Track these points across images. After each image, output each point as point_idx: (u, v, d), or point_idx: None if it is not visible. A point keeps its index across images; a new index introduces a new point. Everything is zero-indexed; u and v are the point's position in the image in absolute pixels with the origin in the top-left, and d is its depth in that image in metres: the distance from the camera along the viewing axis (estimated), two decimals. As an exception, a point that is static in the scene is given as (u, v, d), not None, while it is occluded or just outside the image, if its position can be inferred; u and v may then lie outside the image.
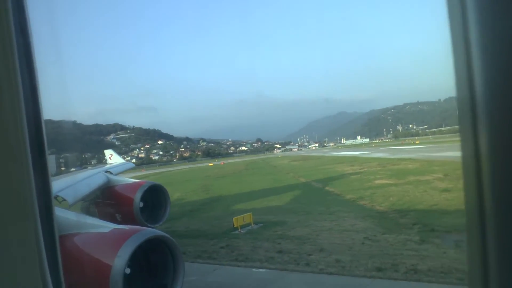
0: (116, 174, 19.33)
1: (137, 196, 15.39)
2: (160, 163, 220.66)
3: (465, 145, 1.45)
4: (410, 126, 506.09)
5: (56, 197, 10.77)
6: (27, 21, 1.86)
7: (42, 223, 1.83)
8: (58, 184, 12.09)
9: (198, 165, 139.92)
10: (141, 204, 15.56)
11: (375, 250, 15.18)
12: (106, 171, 18.44)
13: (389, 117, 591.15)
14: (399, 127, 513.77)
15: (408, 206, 23.23)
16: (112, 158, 31.51)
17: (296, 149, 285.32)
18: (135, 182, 17.14)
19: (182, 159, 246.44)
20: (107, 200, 16.53)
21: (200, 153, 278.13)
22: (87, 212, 16.14)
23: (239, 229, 20.98)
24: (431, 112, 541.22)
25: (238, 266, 15.35)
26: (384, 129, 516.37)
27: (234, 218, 21.54)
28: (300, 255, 15.44)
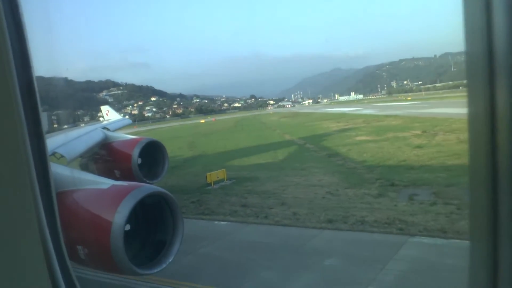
0: (114, 131, 19.15)
1: (135, 152, 15.35)
2: (152, 120, 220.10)
3: (476, 101, 1.40)
4: (405, 82, 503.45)
5: (54, 153, 10.72)
6: None
7: (39, 180, 1.83)
8: (55, 141, 11.94)
9: (190, 122, 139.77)
10: (140, 161, 15.53)
11: (333, 203, 16.04)
12: (104, 128, 18.19)
13: (383, 73, 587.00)
14: (394, 83, 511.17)
15: (378, 162, 24.00)
16: (109, 114, 31.39)
17: (289, 106, 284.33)
18: (133, 138, 16.97)
19: (175, 116, 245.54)
20: (105, 157, 16.46)
21: (193, 109, 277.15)
22: (86, 168, 16.06)
23: (212, 185, 21.76)
24: (426, 68, 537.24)
25: (203, 219, 16.22)
26: (379, 86, 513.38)
27: (207, 174, 22.24)
28: (262, 209, 16.31)
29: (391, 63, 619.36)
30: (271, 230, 14.00)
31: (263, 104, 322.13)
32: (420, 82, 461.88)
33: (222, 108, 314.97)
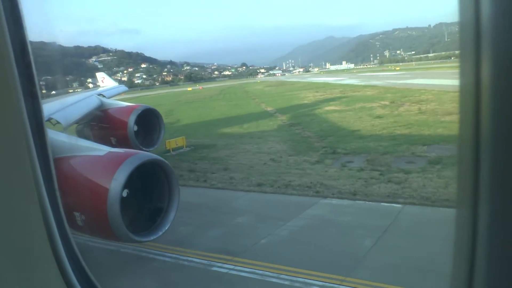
0: (109, 98, 19.13)
1: (131, 120, 15.41)
2: (141, 87, 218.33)
3: (465, 72, 1.39)
4: (398, 52, 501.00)
5: (50, 119, 10.71)
6: None
7: (36, 146, 1.81)
8: (51, 107, 11.98)
9: (177, 90, 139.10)
10: (135, 128, 15.66)
11: (270, 169, 17.16)
12: (99, 94, 18.19)
13: (377, 43, 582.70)
14: (387, 53, 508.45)
15: (333, 131, 25.04)
16: (104, 81, 31.23)
17: (279, 75, 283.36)
18: (128, 106, 16.98)
19: (164, 83, 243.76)
20: (101, 124, 16.53)
21: (182, 77, 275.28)
22: (82, 135, 15.99)
23: (170, 151, 22.72)
24: (419, 38, 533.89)
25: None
26: (371, 55, 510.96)
27: (166, 141, 23.14)
28: (205, 174, 17.39)
29: (384, 33, 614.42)
30: (204, 193, 15.16)
31: (253, 73, 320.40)
32: (413, 52, 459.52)
33: (212, 76, 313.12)
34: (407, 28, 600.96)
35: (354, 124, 26.66)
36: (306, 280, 8.17)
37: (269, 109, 44.07)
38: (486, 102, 1.30)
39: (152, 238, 7.73)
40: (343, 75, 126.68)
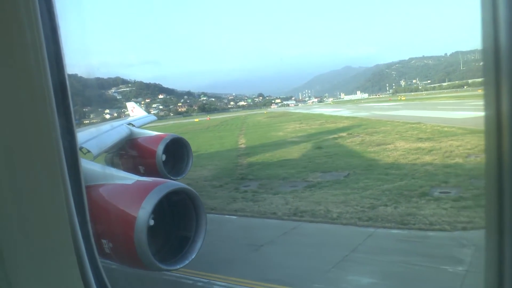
0: (139, 127, 19.58)
1: (160, 149, 15.50)
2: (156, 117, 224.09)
3: (488, 101, 1.40)
4: (414, 81, 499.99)
5: (81, 148, 10.63)
6: None
7: (69, 174, 1.88)
8: (81, 136, 12.14)
9: (186, 121, 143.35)
10: (164, 157, 15.75)
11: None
12: (129, 124, 18.57)
13: (393, 72, 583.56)
14: (403, 82, 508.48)
15: (265, 160, 28.44)
16: (134, 110, 31.91)
17: (292, 105, 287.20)
18: (157, 135, 17.16)
19: (178, 114, 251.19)
20: (130, 152, 16.63)
21: (196, 108, 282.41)
22: (111, 163, 16.42)
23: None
24: (435, 67, 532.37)
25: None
26: (387, 84, 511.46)
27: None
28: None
29: (400, 62, 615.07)
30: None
31: (267, 103, 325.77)
32: (429, 81, 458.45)
33: (228, 106, 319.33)
34: (424, 57, 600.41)
35: (292, 155, 29.81)
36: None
37: (241, 145, 44.37)
38: (508, 133, 1.34)
39: (178, 267, 7.73)
40: (344, 106, 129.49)
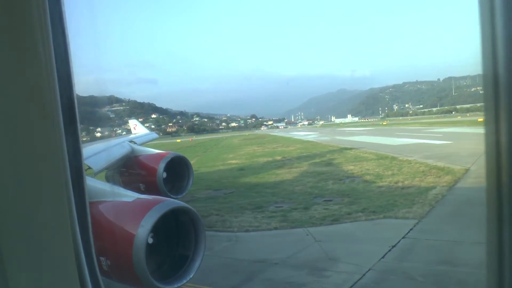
0: (140, 144, 19.53)
1: (161, 167, 15.32)
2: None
3: (489, 126, 1.44)
4: (406, 105, 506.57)
5: None
6: None
7: (74, 190, 1.89)
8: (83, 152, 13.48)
9: (168, 141, 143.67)
10: (165, 175, 15.78)
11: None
12: (130, 141, 18.52)
13: (386, 96, 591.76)
14: (395, 106, 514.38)
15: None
16: (136, 128, 31.74)
17: (281, 127, 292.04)
18: (158, 153, 16.95)
19: (167, 134, 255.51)
20: (131, 170, 16.48)
21: (185, 128, 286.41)
22: (111, 180, 16.33)
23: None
24: (428, 92, 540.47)
25: None
26: (380, 108, 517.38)
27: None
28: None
29: (394, 86, 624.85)
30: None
31: (257, 125, 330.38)
32: (421, 106, 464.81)
33: (218, 127, 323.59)
34: (417, 82, 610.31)
35: (211, 175, 32.67)
36: None
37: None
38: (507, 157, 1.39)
39: (175, 286, 7.57)
40: (318, 130, 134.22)
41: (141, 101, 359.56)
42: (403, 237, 12.80)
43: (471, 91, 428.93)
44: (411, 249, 11.92)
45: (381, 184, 22.09)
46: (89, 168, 10.69)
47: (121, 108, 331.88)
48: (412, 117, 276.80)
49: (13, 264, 1.64)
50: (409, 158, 31.47)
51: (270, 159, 42.25)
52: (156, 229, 6.92)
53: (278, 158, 42.45)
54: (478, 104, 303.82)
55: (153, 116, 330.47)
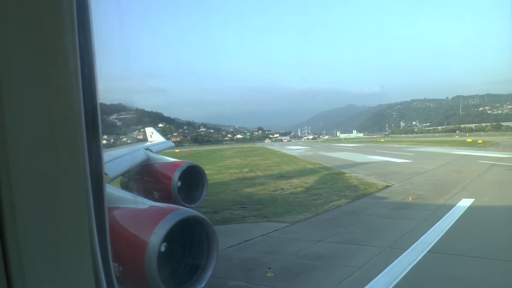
0: (156, 152, 19.34)
1: (176, 175, 15.17)
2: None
3: None
4: (414, 123, 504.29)
5: None
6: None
7: (94, 195, 1.87)
8: None
9: (169, 151, 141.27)
10: (179, 184, 16.00)
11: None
12: (146, 149, 18.38)
13: (394, 113, 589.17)
14: (402, 123, 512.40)
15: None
16: (153, 136, 31.96)
17: (286, 140, 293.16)
18: (174, 161, 16.89)
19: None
20: (146, 177, 16.33)
21: (189, 138, 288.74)
22: (126, 187, 16.07)
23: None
24: (436, 110, 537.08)
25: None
26: (387, 125, 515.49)
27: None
28: None
29: (402, 103, 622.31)
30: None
31: (261, 138, 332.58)
32: (428, 124, 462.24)
33: (223, 139, 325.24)
34: (425, 100, 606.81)
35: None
36: None
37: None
38: None
39: None
40: (311, 145, 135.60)
41: (149, 110, 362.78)
42: (262, 235, 15.34)
43: (478, 111, 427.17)
44: (258, 243, 14.52)
45: (303, 195, 24.28)
46: (106, 174, 9.82)
47: (129, 116, 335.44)
48: (414, 134, 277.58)
49: (32, 267, 1.64)
50: (355, 174, 33.85)
51: (237, 171, 44.30)
52: (169, 237, 6.94)
53: (245, 170, 44.47)
54: (483, 124, 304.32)
55: (160, 125, 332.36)
